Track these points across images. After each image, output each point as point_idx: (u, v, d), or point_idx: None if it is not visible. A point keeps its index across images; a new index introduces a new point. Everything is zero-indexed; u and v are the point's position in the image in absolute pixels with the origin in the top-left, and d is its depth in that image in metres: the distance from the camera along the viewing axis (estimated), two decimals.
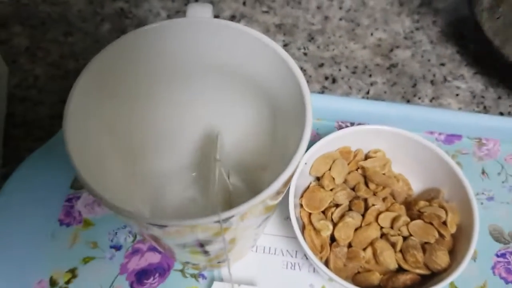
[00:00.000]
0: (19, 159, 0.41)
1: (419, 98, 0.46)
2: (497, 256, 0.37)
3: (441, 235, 0.32)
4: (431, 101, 0.46)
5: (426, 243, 0.32)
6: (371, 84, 0.47)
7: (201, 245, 0.29)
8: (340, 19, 0.52)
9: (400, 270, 0.32)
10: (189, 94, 0.33)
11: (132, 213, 0.23)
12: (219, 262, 0.33)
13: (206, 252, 0.29)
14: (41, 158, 0.40)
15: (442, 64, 0.49)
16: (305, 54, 0.49)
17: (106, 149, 0.30)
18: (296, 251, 0.37)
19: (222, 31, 0.29)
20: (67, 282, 0.35)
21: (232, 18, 0.52)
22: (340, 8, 0.52)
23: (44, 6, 0.51)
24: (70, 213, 0.38)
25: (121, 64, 0.29)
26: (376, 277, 0.32)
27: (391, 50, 0.50)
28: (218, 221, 0.23)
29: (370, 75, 0.48)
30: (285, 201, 0.32)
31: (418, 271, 0.32)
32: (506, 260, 0.37)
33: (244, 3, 0.53)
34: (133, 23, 0.51)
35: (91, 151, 0.27)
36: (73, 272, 0.36)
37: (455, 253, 0.32)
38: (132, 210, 0.23)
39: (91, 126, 0.28)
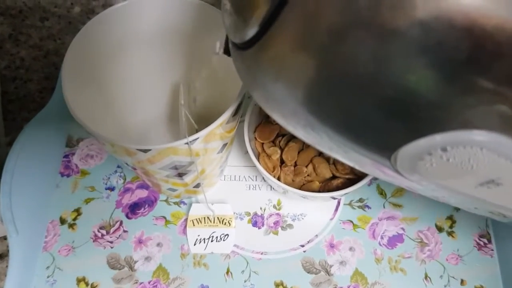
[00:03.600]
0: (18, 129, 0.48)
1: None
2: None
3: None
4: None
5: None
6: None
7: (179, 174, 0.37)
8: None
9: (334, 177, 0.42)
10: (155, 57, 0.42)
11: (123, 142, 0.31)
12: (194, 187, 0.42)
13: (182, 178, 0.38)
14: (38, 125, 0.48)
15: None
16: None
17: (100, 107, 0.38)
18: (255, 176, 0.46)
19: (172, 3, 0.38)
20: (74, 219, 0.44)
21: None
22: None
23: None
24: (68, 166, 0.47)
25: (98, 36, 0.37)
26: (316, 185, 0.42)
27: None
28: (187, 143, 0.32)
29: None
30: (243, 139, 0.41)
31: (346, 176, 0.41)
32: None
33: None
34: (99, 4, 0.58)
35: (88, 109, 0.35)
36: (78, 211, 0.44)
37: None
38: (123, 141, 0.31)
39: (85, 88, 0.36)
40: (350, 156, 0.24)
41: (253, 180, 0.46)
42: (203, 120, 0.46)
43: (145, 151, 0.32)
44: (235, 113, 0.34)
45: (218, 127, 0.33)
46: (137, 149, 0.32)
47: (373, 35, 0.17)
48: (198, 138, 0.32)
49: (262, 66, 0.22)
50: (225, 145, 0.38)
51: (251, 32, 0.22)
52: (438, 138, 0.18)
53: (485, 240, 0.43)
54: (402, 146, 0.20)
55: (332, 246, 0.43)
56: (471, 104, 0.17)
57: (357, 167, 0.26)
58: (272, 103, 0.24)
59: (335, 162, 0.42)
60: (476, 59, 0.16)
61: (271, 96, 0.23)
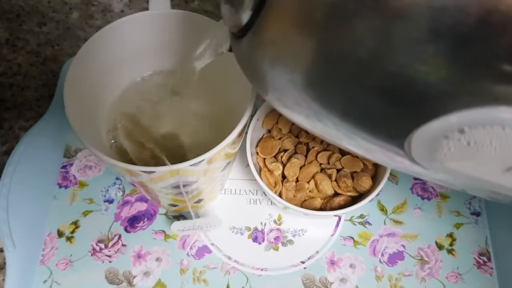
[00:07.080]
0: (15, 138, 0.48)
1: None
2: (415, 179, 0.47)
3: (365, 165, 0.42)
4: None
5: (354, 172, 0.42)
6: None
7: (181, 192, 0.37)
8: None
9: (336, 194, 0.42)
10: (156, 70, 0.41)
11: (128, 165, 0.31)
12: (196, 203, 0.41)
13: (184, 194, 0.38)
14: (36, 135, 0.47)
15: None
16: None
17: (99, 121, 0.37)
18: (256, 190, 0.46)
19: (180, 20, 0.37)
20: (72, 232, 0.43)
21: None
22: None
23: (17, 0, 0.57)
24: (66, 178, 0.46)
25: (99, 53, 0.36)
26: (318, 202, 0.41)
27: None
28: (193, 164, 0.31)
29: None
30: (244, 152, 0.41)
31: (349, 193, 0.41)
32: (422, 181, 0.47)
33: None
34: (99, 10, 0.57)
35: (88, 127, 0.35)
36: (75, 224, 0.44)
37: (377, 177, 0.41)
38: (126, 164, 0.31)
39: (86, 107, 0.35)
40: (359, 144, 0.22)
41: (253, 194, 0.46)
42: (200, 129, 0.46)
43: (149, 172, 0.31)
44: (241, 132, 0.34)
45: (224, 148, 0.33)
46: (141, 171, 0.31)
47: (374, 10, 0.16)
48: (203, 160, 0.32)
49: (258, 52, 0.22)
50: (228, 163, 0.37)
51: (245, 16, 0.21)
52: (453, 119, 0.17)
53: (485, 258, 0.43)
54: (413, 131, 0.18)
55: (332, 262, 0.43)
56: (488, 79, 0.15)
57: (368, 157, 0.24)
58: (273, 93, 0.23)
59: (338, 180, 0.41)
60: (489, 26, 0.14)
61: (272, 85, 0.23)
